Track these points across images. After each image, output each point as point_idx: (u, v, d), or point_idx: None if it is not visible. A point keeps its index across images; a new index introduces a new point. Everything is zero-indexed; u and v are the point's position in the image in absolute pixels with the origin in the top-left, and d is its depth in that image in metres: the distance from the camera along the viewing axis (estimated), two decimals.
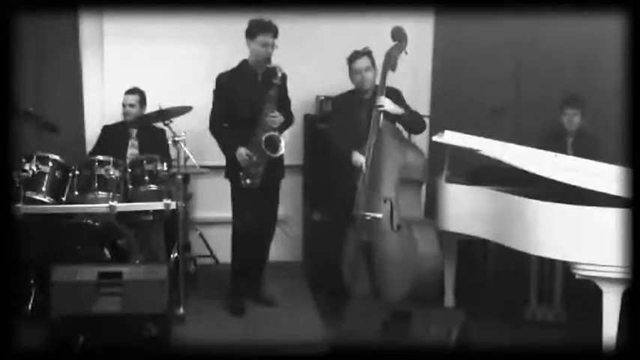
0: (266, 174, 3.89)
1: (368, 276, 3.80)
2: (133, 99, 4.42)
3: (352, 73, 3.94)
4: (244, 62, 3.95)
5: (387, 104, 3.78)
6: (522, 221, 3.31)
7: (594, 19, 4.60)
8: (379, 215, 3.76)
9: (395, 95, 3.91)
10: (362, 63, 3.89)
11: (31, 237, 3.77)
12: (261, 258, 4.23)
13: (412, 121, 3.94)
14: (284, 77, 3.91)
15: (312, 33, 4.77)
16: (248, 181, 3.87)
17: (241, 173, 3.88)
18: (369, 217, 3.78)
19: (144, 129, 4.40)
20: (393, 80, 3.91)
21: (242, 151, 3.85)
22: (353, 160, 3.86)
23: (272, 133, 3.81)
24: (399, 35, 3.82)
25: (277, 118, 3.84)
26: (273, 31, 3.81)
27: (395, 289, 3.65)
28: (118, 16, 4.69)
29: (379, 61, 3.87)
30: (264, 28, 3.80)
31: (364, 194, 3.82)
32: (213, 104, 3.97)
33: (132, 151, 4.37)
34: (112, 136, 4.44)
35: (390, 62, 3.80)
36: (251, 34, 3.83)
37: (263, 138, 3.80)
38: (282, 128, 3.97)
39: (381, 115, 3.78)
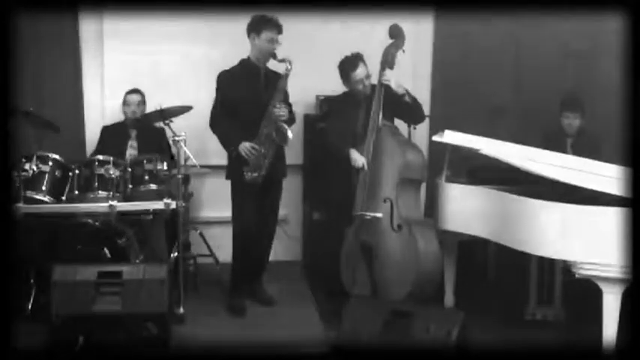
0: (269, 169, 3.88)
1: (367, 276, 3.81)
2: (135, 99, 4.42)
3: (351, 82, 3.93)
4: (246, 59, 3.95)
5: (392, 79, 3.78)
6: (522, 221, 3.31)
7: (594, 19, 4.61)
8: (379, 215, 3.76)
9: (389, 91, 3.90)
10: (361, 73, 3.88)
11: (31, 237, 3.77)
12: (262, 258, 4.22)
13: (413, 105, 3.91)
14: (287, 78, 3.92)
15: (311, 33, 4.77)
16: (253, 174, 3.86)
17: (245, 167, 3.87)
18: (369, 217, 3.78)
19: (143, 129, 4.40)
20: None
21: (246, 144, 3.84)
22: (352, 159, 3.86)
23: (281, 123, 3.82)
24: (396, 33, 3.82)
25: (285, 110, 3.85)
26: (278, 27, 3.83)
27: (395, 289, 3.66)
28: (118, 16, 4.68)
29: (377, 60, 3.87)
30: (269, 25, 3.82)
31: (364, 194, 3.82)
32: (215, 102, 3.97)
33: (131, 151, 4.36)
34: (112, 137, 4.43)
35: (388, 60, 3.81)
36: (256, 29, 3.84)
37: (273, 128, 3.81)
38: (287, 124, 3.98)
39: (383, 93, 3.77)
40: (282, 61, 3.83)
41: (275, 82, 3.87)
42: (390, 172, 3.77)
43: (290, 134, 3.80)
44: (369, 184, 3.81)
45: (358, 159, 3.83)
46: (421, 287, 3.59)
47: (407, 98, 3.85)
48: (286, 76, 3.87)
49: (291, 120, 4.01)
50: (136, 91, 4.46)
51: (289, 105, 4.01)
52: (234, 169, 3.96)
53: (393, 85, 3.79)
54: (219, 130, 3.98)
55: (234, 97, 3.91)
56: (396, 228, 3.71)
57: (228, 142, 3.95)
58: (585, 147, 4.23)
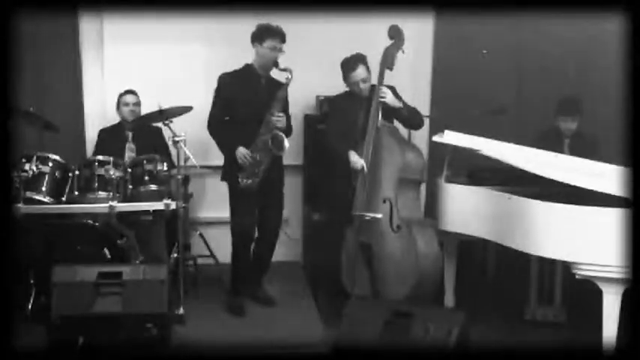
0: (266, 175, 3.89)
1: (367, 276, 3.81)
2: (132, 99, 4.41)
3: (350, 82, 3.94)
4: (249, 66, 3.97)
5: (387, 95, 3.79)
6: (522, 221, 3.31)
7: (594, 19, 4.60)
8: (379, 215, 3.76)
9: (391, 91, 3.90)
10: (359, 74, 3.88)
11: (31, 237, 3.77)
12: (264, 261, 4.22)
13: (410, 116, 3.94)
14: (287, 88, 3.94)
15: (311, 33, 4.77)
16: (247, 180, 3.88)
17: (240, 173, 3.88)
18: (368, 218, 3.78)
19: (140, 130, 4.39)
20: (393, 80, 3.92)
21: (242, 150, 3.86)
22: (351, 162, 3.86)
23: (277, 131, 3.83)
24: (395, 34, 3.83)
25: (282, 118, 3.88)
26: (281, 36, 3.86)
27: (394, 290, 3.65)
28: (118, 17, 4.69)
29: (376, 60, 3.87)
30: (272, 33, 3.85)
31: (363, 194, 3.82)
32: (213, 103, 3.98)
33: (129, 154, 4.33)
34: (109, 140, 4.41)
35: (388, 61, 3.82)
36: (259, 38, 3.87)
37: (269, 136, 3.81)
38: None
39: (380, 107, 3.78)
40: (284, 70, 3.86)
41: (275, 91, 3.90)
42: (390, 172, 3.77)
43: (286, 143, 3.82)
44: (368, 184, 3.81)
45: (357, 161, 3.83)
46: (421, 288, 3.59)
47: (404, 112, 3.87)
48: (286, 85, 3.90)
49: (288, 129, 4.00)
50: (130, 91, 4.44)
51: (288, 116, 4.02)
52: (229, 172, 3.97)
53: (389, 101, 3.81)
54: (216, 133, 4.00)
55: (232, 100, 3.93)
56: (395, 228, 3.71)
57: (225, 146, 3.97)
58: (583, 148, 4.23)
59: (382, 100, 3.79)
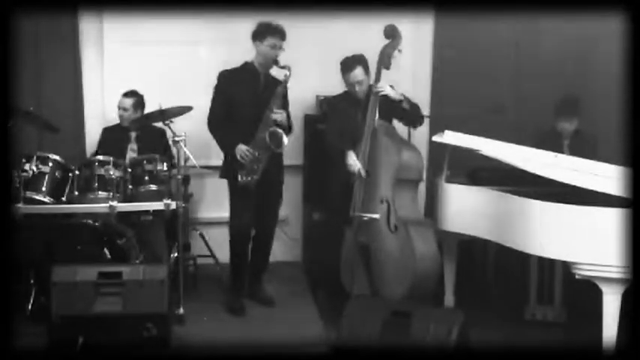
0: (265, 172, 3.89)
1: (366, 276, 3.80)
2: (128, 102, 4.34)
3: (347, 82, 3.94)
4: (248, 63, 3.97)
5: (386, 88, 3.78)
6: (522, 221, 3.31)
7: (594, 19, 4.60)
8: (376, 216, 3.75)
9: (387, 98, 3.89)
10: (356, 75, 3.88)
11: (31, 237, 3.77)
12: (261, 259, 4.23)
13: (411, 110, 3.91)
14: (286, 85, 3.94)
15: (311, 33, 4.77)
16: (247, 178, 3.88)
17: (240, 170, 3.89)
18: (366, 218, 3.78)
19: (142, 131, 4.38)
20: (393, 80, 3.91)
21: (242, 148, 3.86)
22: (348, 163, 3.85)
23: (276, 128, 3.83)
24: (391, 33, 3.82)
25: (282, 114, 3.88)
26: (281, 35, 3.87)
27: (393, 290, 3.65)
28: (118, 16, 4.68)
29: (375, 60, 3.86)
30: (273, 31, 3.86)
31: (361, 195, 3.82)
32: (213, 100, 3.99)
33: (131, 154, 4.31)
34: (112, 139, 4.40)
35: (384, 60, 3.81)
36: (260, 36, 3.88)
37: (267, 133, 3.82)
38: (284, 131, 3.98)
39: (378, 105, 3.77)
40: (283, 67, 3.86)
41: (274, 88, 3.90)
42: (387, 172, 3.76)
43: (285, 140, 3.83)
44: (366, 184, 3.81)
45: (354, 164, 3.82)
46: (418, 288, 3.58)
47: (404, 104, 3.86)
48: (285, 82, 3.90)
49: (288, 128, 4.00)
50: (130, 94, 4.38)
51: (288, 113, 4.02)
52: (229, 169, 3.98)
53: (389, 92, 3.78)
54: (215, 131, 3.99)
55: (232, 97, 3.94)
56: (392, 229, 3.71)
57: (225, 143, 3.97)
58: (582, 147, 4.22)
59: (382, 93, 3.77)
